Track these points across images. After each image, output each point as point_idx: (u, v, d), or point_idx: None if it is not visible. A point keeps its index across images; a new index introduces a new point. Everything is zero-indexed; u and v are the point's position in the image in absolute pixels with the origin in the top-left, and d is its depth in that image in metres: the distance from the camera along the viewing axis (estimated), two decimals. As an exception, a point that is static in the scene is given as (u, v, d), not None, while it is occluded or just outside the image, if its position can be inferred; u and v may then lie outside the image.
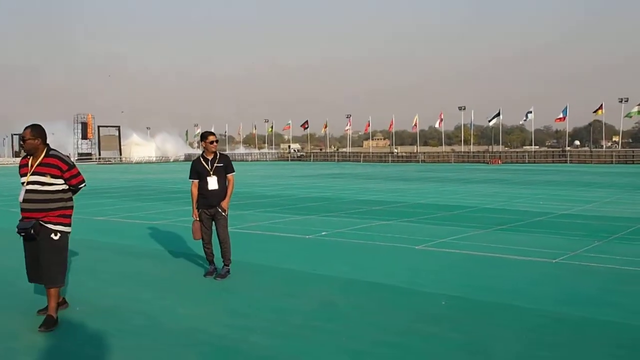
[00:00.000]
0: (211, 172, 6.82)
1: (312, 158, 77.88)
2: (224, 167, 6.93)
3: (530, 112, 63.61)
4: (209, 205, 6.85)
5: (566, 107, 60.43)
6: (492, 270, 7.29)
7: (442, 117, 70.43)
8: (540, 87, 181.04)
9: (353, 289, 6.43)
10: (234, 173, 7.06)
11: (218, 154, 6.95)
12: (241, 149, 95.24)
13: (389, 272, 7.16)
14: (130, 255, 8.72)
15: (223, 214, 6.87)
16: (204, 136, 6.94)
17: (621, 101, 58.21)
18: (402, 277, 6.90)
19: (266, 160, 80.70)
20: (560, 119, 61.38)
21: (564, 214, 13.50)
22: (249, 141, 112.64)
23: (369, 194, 20.28)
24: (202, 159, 6.93)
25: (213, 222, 6.97)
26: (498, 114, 64.09)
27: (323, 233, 10.50)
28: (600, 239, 9.64)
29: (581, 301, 5.82)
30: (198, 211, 6.93)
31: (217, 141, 6.96)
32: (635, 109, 57.27)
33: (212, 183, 6.80)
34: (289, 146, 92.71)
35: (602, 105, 57.66)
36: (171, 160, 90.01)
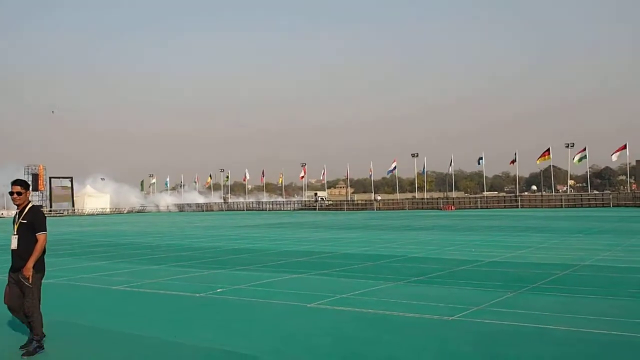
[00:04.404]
0: (14, 229, 5.71)
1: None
2: (29, 224, 5.67)
3: (482, 158, 64.52)
4: (13, 268, 5.73)
5: (515, 153, 61.52)
6: (375, 333, 6.39)
7: (396, 164, 70.71)
8: (491, 133, 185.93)
9: (200, 361, 5.45)
10: (44, 232, 5.72)
11: (26, 208, 5.74)
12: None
13: (256, 338, 6.21)
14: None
15: (24, 282, 5.62)
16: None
17: (567, 146, 59.54)
18: (267, 344, 5.95)
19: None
20: (512, 161, 62.43)
21: (491, 262, 12.89)
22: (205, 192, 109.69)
23: (303, 244, 19.37)
24: (17, 213, 5.85)
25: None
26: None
27: (218, 290, 9.50)
28: (515, 290, 8.97)
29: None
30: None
31: (19, 193, 5.72)
32: (577, 156, 58.69)
33: (13, 242, 5.67)
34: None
35: (548, 150, 58.75)
36: (125, 211, 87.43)
